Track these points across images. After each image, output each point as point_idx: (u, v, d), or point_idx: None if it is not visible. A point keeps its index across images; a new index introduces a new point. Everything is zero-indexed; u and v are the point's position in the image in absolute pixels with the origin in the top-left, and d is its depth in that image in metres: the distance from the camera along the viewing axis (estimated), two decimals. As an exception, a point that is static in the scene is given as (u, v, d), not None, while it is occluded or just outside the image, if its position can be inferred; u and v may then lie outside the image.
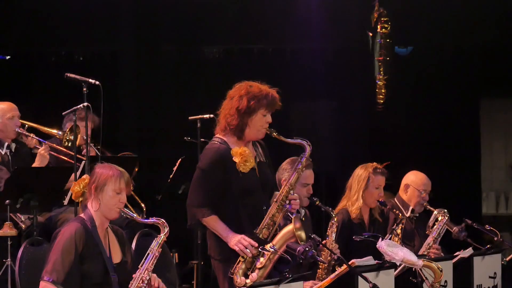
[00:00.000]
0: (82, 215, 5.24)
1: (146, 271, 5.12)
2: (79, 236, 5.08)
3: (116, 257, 5.27)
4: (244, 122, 5.61)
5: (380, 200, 7.11)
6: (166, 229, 5.25)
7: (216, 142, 5.71)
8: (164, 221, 5.28)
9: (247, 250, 5.46)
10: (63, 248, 5.04)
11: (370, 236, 6.45)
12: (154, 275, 5.17)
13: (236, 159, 5.59)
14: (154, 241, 5.25)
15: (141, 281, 5.09)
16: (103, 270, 5.14)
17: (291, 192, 5.70)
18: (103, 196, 5.18)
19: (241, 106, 5.58)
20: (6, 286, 6.69)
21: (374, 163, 7.17)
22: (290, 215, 5.68)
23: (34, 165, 7.35)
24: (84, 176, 5.39)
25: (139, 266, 5.16)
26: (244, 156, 5.60)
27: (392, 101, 10.40)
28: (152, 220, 5.31)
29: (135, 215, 5.40)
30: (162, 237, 5.24)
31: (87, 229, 5.14)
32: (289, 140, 5.73)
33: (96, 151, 7.57)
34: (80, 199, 5.35)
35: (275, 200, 5.66)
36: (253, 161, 5.67)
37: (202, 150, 6.02)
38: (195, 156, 7.87)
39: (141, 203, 7.45)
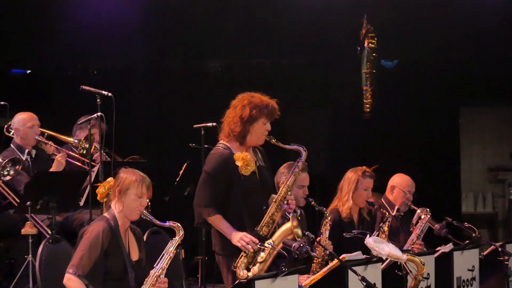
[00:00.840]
0: (106, 214, 5.24)
1: (161, 270, 5.11)
2: (105, 234, 5.07)
3: (134, 255, 5.26)
4: (246, 130, 5.62)
5: (368, 200, 7.12)
6: (181, 233, 5.26)
7: (220, 147, 5.72)
8: (179, 225, 5.27)
9: (249, 246, 5.46)
10: (90, 245, 5.02)
11: (359, 233, 6.45)
12: (165, 279, 5.16)
13: (238, 163, 5.60)
14: (169, 242, 5.24)
15: (155, 278, 5.08)
16: (123, 266, 5.14)
17: (289, 193, 5.71)
18: (126, 199, 5.18)
19: (244, 115, 5.60)
20: (28, 280, 6.67)
21: (363, 167, 7.16)
22: (288, 214, 5.69)
23: (51, 169, 7.34)
24: (109, 179, 5.36)
25: (154, 265, 5.15)
26: (245, 161, 5.61)
27: (378, 110, 10.41)
28: (168, 224, 5.30)
29: (153, 218, 5.38)
30: (177, 239, 5.24)
31: (112, 228, 5.14)
32: (287, 146, 5.74)
33: (107, 156, 7.54)
34: (105, 199, 5.32)
35: (274, 200, 5.66)
36: (254, 165, 5.68)
37: (206, 156, 6.03)
38: (199, 161, 7.88)
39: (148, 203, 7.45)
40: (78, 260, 4.98)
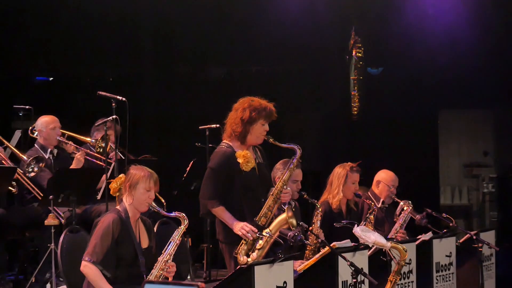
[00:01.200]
0: (118, 207, 5.27)
1: (169, 255, 5.15)
2: (115, 224, 5.11)
3: (144, 243, 5.29)
4: (246, 130, 5.66)
5: (356, 192, 7.16)
6: (186, 222, 5.27)
7: (223, 146, 5.76)
8: (184, 215, 5.30)
9: (249, 234, 5.50)
10: (102, 234, 5.07)
11: (347, 223, 6.52)
12: (173, 263, 5.20)
13: (239, 160, 5.64)
14: (176, 231, 5.27)
15: (164, 263, 5.13)
16: (134, 253, 5.17)
17: (285, 187, 5.75)
18: (136, 192, 5.21)
19: (244, 117, 5.64)
20: (50, 266, 6.68)
21: (350, 163, 7.21)
22: (283, 206, 5.74)
23: (71, 167, 7.37)
24: (121, 175, 5.39)
25: (162, 252, 5.18)
26: (246, 158, 5.65)
27: (365, 113, 10.42)
28: (174, 214, 5.33)
29: (160, 209, 5.43)
30: (182, 228, 5.27)
31: (122, 219, 5.17)
32: (283, 145, 5.77)
33: (121, 155, 7.59)
34: (117, 194, 5.37)
35: (271, 193, 5.69)
36: (254, 162, 5.71)
37: (210, 154, 6.06)
38: (204, 159, 7.89)
39: (161, 199, 7.44)
40: (92, 248, 5.04)
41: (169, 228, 6.68)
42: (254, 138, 5.71)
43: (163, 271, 5.14)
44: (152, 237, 5.41)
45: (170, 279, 5.18)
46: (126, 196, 5.26)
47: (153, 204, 5.30)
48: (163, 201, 7.46)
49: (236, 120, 5.68)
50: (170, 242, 5.23)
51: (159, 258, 5.16)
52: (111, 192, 5.41)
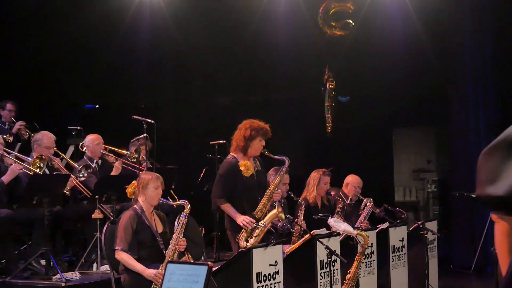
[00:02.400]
0: (135, 206, 5.31)
1: (178, 234, 5.20)
2: (132, 219, 5.16)
3: (160, 229, 5.32)
4: (247, 145, 5.67)
5: (327, 191, 7.18)
6: (188, 206, 5.33)
7: (229, 157, 5.78)
8: (187, 202, 5.37)
9: (248, 224, 5.50)
10: (124, 228, 5.13)
11: (323, 215, 6.51)
12: (184, 239, 5.23)
13: (241, 168, 5.65)
14: (182, 213, 5.32)
15: (176, 240, 5.16)
16: (152, 237, 5.21)
17: (276, 189, 5.75)
18: (147, 191, 5.25)
19: (246, 134, 5.66)
20: (96, 250, 6.67)
21: (323, 169, 7.24)
22: (275, 203, 5.74)
23: (112, 173, 7.34)
24: (134, 182, 5.42)
25: (174, 231, 5.23)
26: (246, 166, 5.66)
27: (336, 131, 10.43)
28: (179, 202, 5.40)
29: (166, 200, 5.49)
30: (186, 210, 5.31)
31: (137, 214, 5.22)
32: (276, 157, 5.78)
33: (151, 164, 7.58)
34: (133, 196, 5.40)
35: (265, 194, 5.69)
36: (253, 169, 5.72)
37: (219, 164, 6.09)
38: (214, 167, 7.91)
39: (176, 198, 7.44)
40: (119, 239, 5.11)
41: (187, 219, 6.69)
42: (253, 151, 5.72)
43: (177, 245, 5.16)
44: (166, 224, 5.42)
45: (182, 250, 5.24)
46: (140, 195, 5.28)
47: (162, 199, 5.35)
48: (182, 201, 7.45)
49: (239, 137, 5.69)
50: (178, 223, 5.27)
51: (173, 235, 5.20)
52: (128, 195, 5.44)
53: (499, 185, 1.95)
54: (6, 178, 6.39)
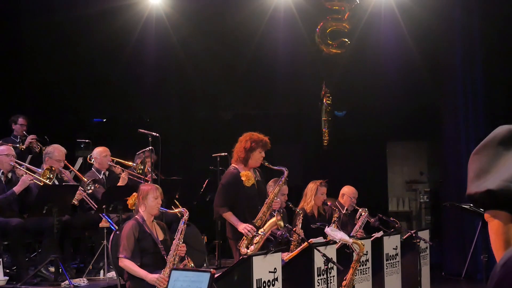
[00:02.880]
0: (136, 216, 5.31)
1: (178, 240, 5.19)
2: (134, 228, 5.17)
3: (160, 237, 5.32)
4: (248, 156, 5.67)
5: (324, 201, 7.19)
6: (187, 214, 5.34)
7: (231, 168, 5.78)
8: (185, 209, 5.38)
9: (249, 232, 5.50)
10: (126, 236, 5.13)
11: (320, 224, 6.52)
12: (183, 244, 5.23)
13: (243, 178, 5.64)
14: (181, 220, 5.31)
15: (176, 246, 5.16)
16: (153, 245, 5.20)
17: (275, 198, 5.75)
18: (147, 201, 5.26)
19: (247, 146, 5.66)
20: (103, 257, 6.65)
21: (320, 180, 7.24)
22: (273, 212, 5.74)
23: (118, 184, 7.33)
24: (134, 194, 5.42)
25: (174, 237, 5.23)
26: (247, 177, 5.65)
27: (332, 144, 10.43)
28: (177, 210, 5.42)
29: (165, 209, 5.49)
30: (185, 217, 5.31)
31: (139, 223, 5.22)
32: (275, 167, 5.79)
33: (156, 176, 7.58)
34: (133, 207, 5.41)
35: (265, 203, 5.69)
36: (254, 179, 5.71)
37: (221, 174, 6.09)
38: (216, 178, 7.88)
39: (180, 207, 7.42)
40: (122, 247, 5.11)
41: (190, 228, 6.69)
42: (254, 162, 5.71)
43: (177, 251, 5.16)
44: (166, 233, 5.43)
45: (182, 255, 5.22)
46: (140, 206, 5.29)
47: (161, 208, 5.35)
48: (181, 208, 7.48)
49: (240, 148, 5.70)
50: (178, 229, 5.26)
51: (173, 242, 5.20)
52: (129, 207, 5.45)
53: (489, 180, 1.94)
54: (17, 189, 6.40)
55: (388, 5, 9.35)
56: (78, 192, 6.69)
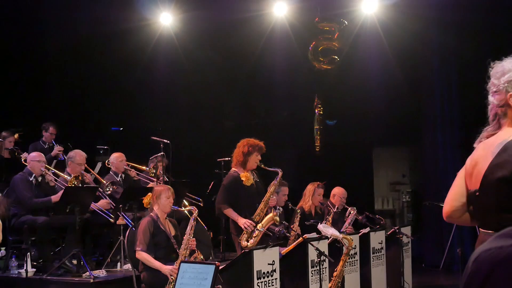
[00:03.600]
0: (151, 213, 5.34)
1: (189, 234, 5.21)
2: (150, 224, 5.20)
3: (172, 232, 5.35)
4: (246, 159, 5.70)
5: (320, 201, 7.18)
6: (196, 211, 5.36)
7: (232, 171, 5.83)
8: (195, 208, 5.39)
9: (248, 227, 5.51)
10: (143, 231, 5.17)
11: (314, 222, 6.52)
12: (194, 238, 5.24)
13: (243, 179, 5.68)
14: (191, 217, 5.34)
15: (187, 240, 5.17)
16: (166, 239, 5.23)
17: (271, 196, 5.77)
18: (160, 200, 5.29)
19: (244, 151, 5.70)
20: (120, 251, 6.68)
21: (317, 182, 7.24)
22: (269, 210, 5.76)
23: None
24: (149, 194, 5.46)
25: (185, 232, 5.24)
26: (247, 177, 5.69)
27: (324, 149, 10.43)
28: (188, 207, 5.43)
29: (177, 207, 5.52)
30: (194, 214, 5.33)
31: (154, 219, 5.25)
32: (270, 169, 5.83)
33: (167, 178, 7.59)
34: (148, 205, 5.42)
35: (262, 200, 5.71)
36: (252, 180, 5.74)
37: (225, 177, 6.07)
38: (221, 180, 7.80)
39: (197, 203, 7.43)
40: (139, 240, 5.13)
41: (197, 225, 6.67)
42: (251, 165, 5.74)
43: (188, 244, 5.17)
44: (177, 229, 5.45)
45: (193, 248, 5.24)
46: (154, 204, 5.31)
47: (173, 206, 5.38)
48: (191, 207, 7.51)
49: (239, 153, 5.73)
50: (189, 225, 5.30)
51: (184, 237, 5.22)
52: (144, 205, 5.48)
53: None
54: (55, 199, 6.43)
55: (373, 26, 9.42)
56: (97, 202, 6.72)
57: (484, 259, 1.44)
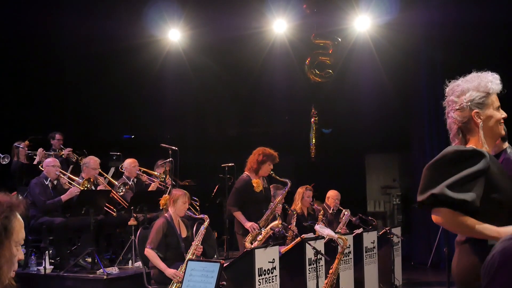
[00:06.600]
0: (165, 214, 5.31)
1: (198, 241, 5.18)
2: (164, 224, 5.16)
3: (184, 234, 5.30)
4: (259, 167, 5.71)
5: (310, 203, 7.19)
6: (207, 220, 5.32)
7: (244, 175, 5.83)
8: (207, 216, 5.35)
9: (254, 230, 5.50)
10: (156, 230, 5.14)
11: (311, 223, 6.52)
12: (201, 246, 5.20)
13: (254, 185, 5.69)
14: (202, 226, 5.30)
15: (195, 246, 5.14)
16: (177, 242, 5.20)
17: (279, 204, 5.78)
18: (177, 204, 5.25)
19: (259, 159, 5.71)
20: (131, 250, 6.65)
21: (307, 185, 7.23)
22: (276, 216, 5.78)
23: (149, 189, 7.30)
24: (165, 196, 5.45)
25: (194, 238, 5.23)
26: (258, 184, 5.70)
27: (319, 156, 10.43)
28: (201, 216, 5.39)
29: (191, 213, 5.48)
30: (205, 224, 5.30)
31: (168, 221, 5.22)
32: (281, 179, 5.84)
33: (174, 182, 7.58)
34: (164, 206, 5.40)
35: (269, 207, 5.72)
36: (262, 187, 5.75)
37: (229, 182, 6.10)
38: (225, 185, 7.86)
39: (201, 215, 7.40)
40: (151, 239, 5.11)
41: (201, 224, 6.67)
42: (263, 172, 5.75)
43: (195, 251, 5.14)
44: (189, 230, 5.42)
45: (199, 255, 5.20)
46: (170, 207, 5.27)
47: (187, 211, 5.35)
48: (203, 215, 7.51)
49: (254, 160, 5.74)
50: (198, 233, 5.26)
51: (192, 243, 5.19)
52: (160, 206, 5.45)
53: (434, 188, 2.03)
54: (64, 198, 6.48)
55: (365, 42, 9.46)
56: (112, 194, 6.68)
57: None
